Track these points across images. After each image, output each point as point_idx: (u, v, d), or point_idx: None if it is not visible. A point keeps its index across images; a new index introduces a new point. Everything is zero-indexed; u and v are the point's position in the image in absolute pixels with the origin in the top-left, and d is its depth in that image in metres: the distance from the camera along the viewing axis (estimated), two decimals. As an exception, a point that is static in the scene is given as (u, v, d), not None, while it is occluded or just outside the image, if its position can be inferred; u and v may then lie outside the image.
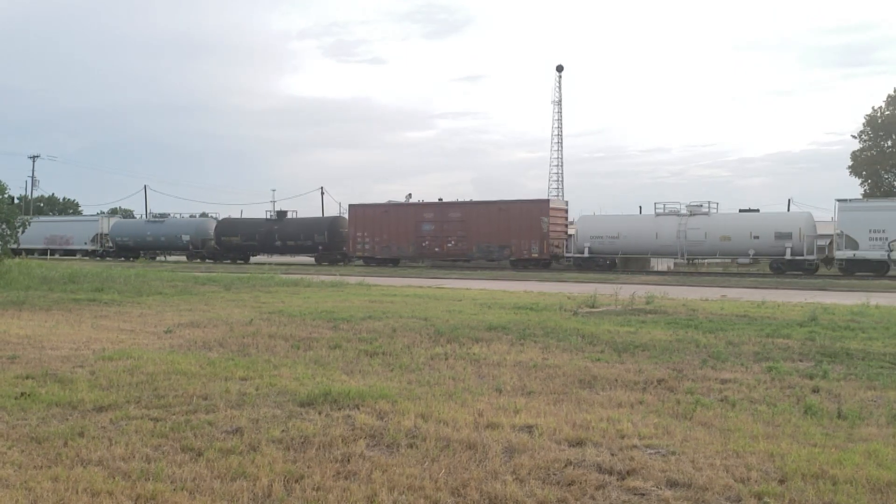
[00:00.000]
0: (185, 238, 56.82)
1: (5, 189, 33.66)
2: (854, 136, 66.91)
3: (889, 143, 64.78)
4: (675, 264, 43.27)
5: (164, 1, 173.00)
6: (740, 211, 42.73)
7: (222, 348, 11.58)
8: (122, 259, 57.41)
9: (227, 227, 56.55)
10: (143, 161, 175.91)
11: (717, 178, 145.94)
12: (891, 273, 36.20)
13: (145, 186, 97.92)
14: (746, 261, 40.78)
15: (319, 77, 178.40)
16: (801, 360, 10.88)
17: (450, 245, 47.65)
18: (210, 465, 5.87)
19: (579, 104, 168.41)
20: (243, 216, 62.63)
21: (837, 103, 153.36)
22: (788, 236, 38.17)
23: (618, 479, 5.67)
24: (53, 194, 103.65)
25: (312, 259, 53.39)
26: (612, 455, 6.21)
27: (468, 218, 47.10)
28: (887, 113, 64.49)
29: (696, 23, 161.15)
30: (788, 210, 39.85)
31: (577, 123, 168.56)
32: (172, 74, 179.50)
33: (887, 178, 65.53)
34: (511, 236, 45.24)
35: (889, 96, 64.37)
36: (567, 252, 44.18)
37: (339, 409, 7.59)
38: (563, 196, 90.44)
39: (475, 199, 51.06)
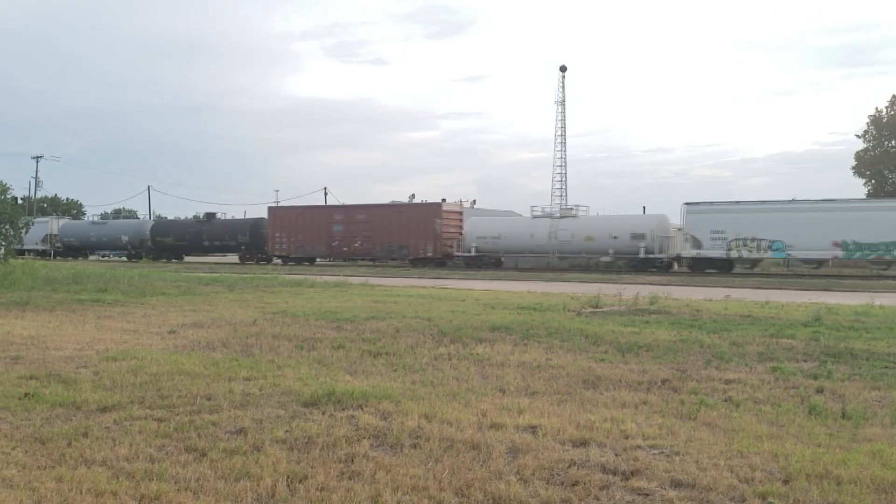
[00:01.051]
0: (125, 238, 60.29)
1: (8, 190, 33.73)
2: (858, 136, 66.89)
3: (893, 142, 64.71)
4: (549, 263, 46.11)
5: (167, 2, 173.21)
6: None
7: (226, 349, 11.58)
8: (70, 258, 60.77)
9: (161, 228, 61.33)
10: (146, 161, 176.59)
11: (720, 179, 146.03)
12: (735, 271, 40.03)
13: (149, 187, 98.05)
14: (608, 259, 43.97)
15: (322, 78, 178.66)
16: (805, 361, 10.86)
17: (356, 245, 51.15)
18: (214, 465, 5.87)
19: (582, 104, 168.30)
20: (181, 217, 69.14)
21: (840, 103, 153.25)
22: (642, 237, 41.96)
23: (622, 480, 5.66)
24: (56, 195, 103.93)
25: (237, 258, 56.79)
26: (616, 455, 6.21)
27: (373, 220, 50.69)
28: (892, 113, 64.42)
29: (698, 23, 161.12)
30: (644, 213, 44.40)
31: (580, 124, 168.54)
32: (175, 75, 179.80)
33: (891, 178, 65.45)
34: (409, 237, 48.75)
35: (893, 96, 64.41)
36: (457, 251, 47.81)
37: (343, 410, 7.59)
38: (566, 197, 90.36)
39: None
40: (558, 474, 5.76)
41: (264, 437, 6.57)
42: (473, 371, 9.87)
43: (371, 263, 50.64)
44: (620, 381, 9.28)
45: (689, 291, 25.57)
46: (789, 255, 39.12)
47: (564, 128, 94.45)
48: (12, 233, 32.36)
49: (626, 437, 6.70)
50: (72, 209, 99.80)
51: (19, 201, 58.22)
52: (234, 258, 58.53)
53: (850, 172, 67.16)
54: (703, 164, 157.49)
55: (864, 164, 65.62)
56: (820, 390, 8.83)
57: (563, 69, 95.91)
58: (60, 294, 21.25)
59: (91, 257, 63.84)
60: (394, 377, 9.42)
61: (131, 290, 22.86)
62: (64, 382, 8.79)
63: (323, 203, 57.56)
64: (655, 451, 6.35)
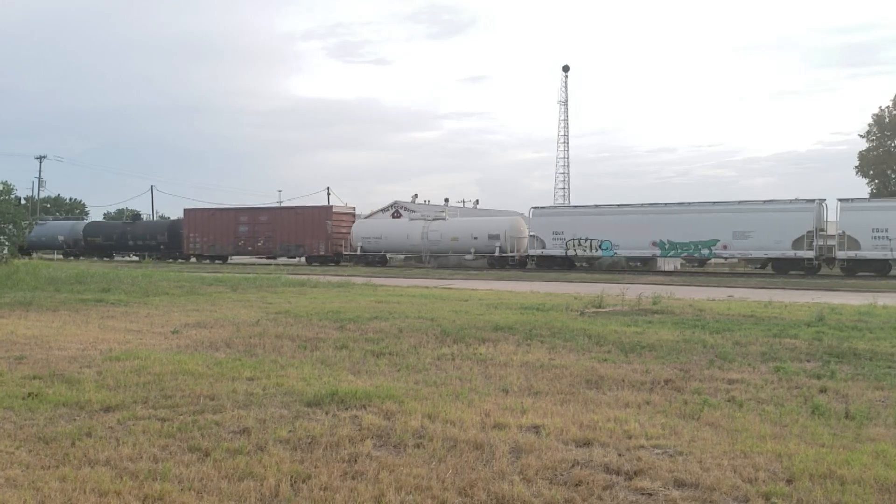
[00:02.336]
0: (61, 238, 62.86)
1: (12, 190, 33.81)
2: (861, 136, 66.79)
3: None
4: (424, 260, 50.33)
5: (170, 3, 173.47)
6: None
7: (229, 349, 11.59)
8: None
9: (92, 228, 64.52)
10: (149, 162, 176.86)
11: (723, 179, 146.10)
12: (583, 266, 44.06)
13: (152, 187, 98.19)
14: (470, 257, 47.85)
15: (324, 78, 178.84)
16: (808, 361, 10.85)
17: (259, 244, 54.52)
18: (217, 465, 5.87)
19: (585, 104, 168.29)
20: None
21: (843, 103, 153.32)
22: (497, 237, 46.15)
23: (625, 480, 5.66)
24: (60, 195, 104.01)
25: (158, 257, 59.20)
26: (620, 455, 6.20)
27: (273, 221, 54.28)
28: (894, 112, 64.32)
29: (701, 23, 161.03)
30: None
31: (583, 124, 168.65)
32: (178, 76, 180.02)
33: (894, 177, 65.36)
34: (305, 237, 52.40)
35: (897, 95, 64.22)
36: (346, 250, 51.58)
37: (346, 410, 7.59)
38: (569, 196, 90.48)
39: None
40: (562, 474, 5.76)
41: (268, 437, 6.58)
42: (476, 371, 9.87)
43: (272, 262, 52.84)
44: (623, 381, 9.27)
45: (692, 291, 25.55)
46: (616, 253, 42.94)
47: (567, 128, 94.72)
48: (16, 233, 32.43)
49: (630, 437, 6.70)
50: (75, 209, 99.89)
51: (22, 202, 58.53)
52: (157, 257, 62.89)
53: (853, 172, 67.18)
54: (705, 163, 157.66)
55: (867, 164, 65.55)
56: (823, 390, 8.82)
57: (565, 69, 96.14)
58: (64, 294, 21.28)
59: (34, 256, 65.80)
60: (397, 377, 9.42)
61: (134, 290, 22.88)
62: (67, 382, 8.80)
63: (233, 206, 61.17)
64: (659, 451, 6.34)
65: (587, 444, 6.52)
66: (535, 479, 5.62)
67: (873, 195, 61.43)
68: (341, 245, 51.87)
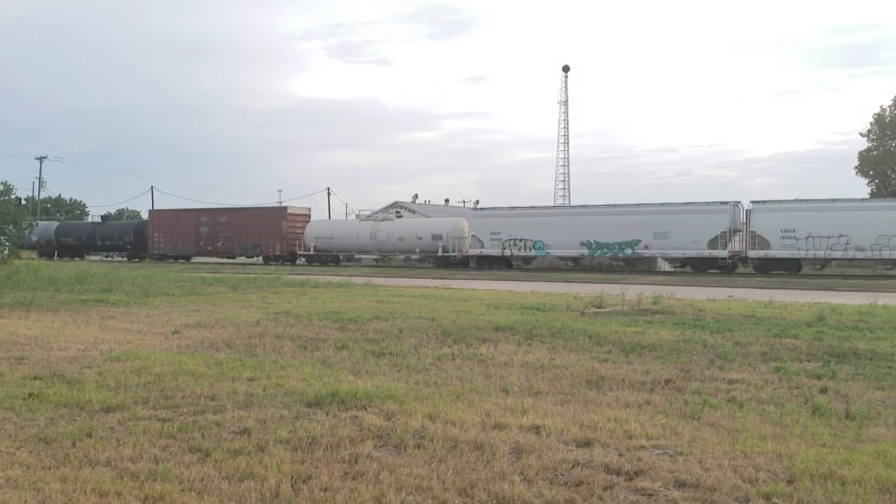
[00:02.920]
0: (34, 238, 63.45)
1: (12, 190, 33.81)
2: (862, 135, 66.77)
3: (896, 142, 64.61)
4: (375, 260, 54.05)
5: (170, 3, 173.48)
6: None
7: (229, 349, 11.59)
8: None
9: (64, 229, 66.52)
10: (149, 162, 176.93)
11: (724, 178, 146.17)
12: (523, 267, 45.87)
13: (152, 187, 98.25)
14: (416, 257, 51.12)
15: (325, 78, 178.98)
16: (808, 361, 10.85)
17: (219, 244, 56.88)
18: (218, 465, 5.87)
19: (586, 105, 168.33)
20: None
21: (843, 103, 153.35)
22: (441, 237, 48.65)
23: (626, 480, 5.66)
24: (60, 195, 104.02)
25: (125, 257, 62.10)
26: (620, 456, 6.20)
27: (232, 222, 56.63)
28: (895, 112, 64.29)
29: (701, 23, 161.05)
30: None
31: (584, 124, 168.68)
32: (178, 76, 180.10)
33: (894, 177, 65.31)
34: (262, 237, 54.82)
35: (898, 95, 64.22)
36: (300, 250, 53.98)
37: (347, 410, 7.59)
38: (569, 197, 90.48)
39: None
40: (562, 474, 5.76)
41: (268, 438, 6.58)
42: (477, 371, 9.87)
43: (231, 261, 56.10)
44: (624, 381, 9.27)
45: (692, 291, 25.55)
46: (548, 253, 45.17)
47: (567, 128, 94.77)
48: (16, 233, 32.43)
49: (630, 438, 6.70)
50: (75, 209, 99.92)
51: (23, 202, 58.64)
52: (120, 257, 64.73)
53: (854, 172, 67.14)
54: (706, 163, 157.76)
55: (868, 164, 65.51)
56: (824, 390, 8.82)
57: (566, 69, 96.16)
58: (64, 294, 21.28)
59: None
60: (397, 377, 9.42)
61: (135, 290, 22.89)
62: (68, 383, 8.80)
63: (195, 207, 64.77)
64: (659, 452, 6.34)
65: (588, 444, 6.52)
66: (536, 480, 5.62)
67: (874, 195, 61.44)
68: (296, 245, 54.17)
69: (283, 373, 9.51)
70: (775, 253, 38.72)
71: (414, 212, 61.70)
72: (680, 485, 5.55)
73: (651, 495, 5.38)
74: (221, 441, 6.50)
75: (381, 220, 52.13)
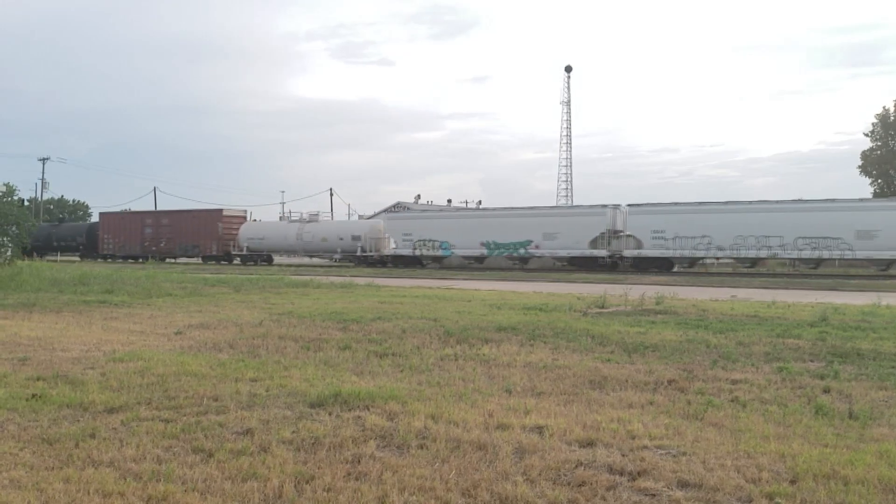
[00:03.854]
0: None
1: (14, 191, 33.82)
2: (866, 135, 66.65)
3: (899, 142, 64.46)
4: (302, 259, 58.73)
5: (172, 3, 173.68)
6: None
7: (232, 350, 11.60)
8: None
9: None
10: (152, 163, 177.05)
11: (726, 179, 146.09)
12: (432, 266, 49.34)
13: (154, 188, 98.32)
14: (338, 256, 55.12)
15: (327, 78, 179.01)
16: (811, 361, 10.83)
17: (162, 245, 60.33)
18: (221, 466, 5.88)
19: (588, 105, 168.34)
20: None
21: (846, 103, 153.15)
22: (359, 238, 52.30)
23: (628, 480, 5.66)
24: (63, 196, 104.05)
25: (78, 257, 64.71)
26: (623, 456, 6.20)
27: (173, 224, 60.40)
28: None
29: (703, 23, 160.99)
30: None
31: (586, 124, 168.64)
32: (181, 76, 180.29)
33: (897, 178, 65.17)
34: (199, 238, 58.50)
35: (900, 95, 64.17)
36: (234, 250, 57.24)
37: (350, 410, 7.59)
38: (572, 196, 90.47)
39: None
40: (565, 475, 5.76)
41: (271, 438, 6.58)
42: (480, 371, 9.87)
43: (174, 261, 59.17)
44: (627, 381, 9.26)
45: (695, 292, 25.54)
46: (453, 252, 48.76)
47: (570, 128, 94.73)
48: (19, 234, 32.44)
49: (633, 438, 6.70)
50: (78, 210, 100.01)
51: (25, 203, 58.75)
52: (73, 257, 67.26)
53: (857, 172, 67.03)
54: (708, 163, 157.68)
55: (871, 164, 65.39)
56: (827, 390, 8.81)
57: (568, 69, 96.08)
58: (67, 295, 21.31)
59: None
60: (400, 378, 9.42)
61: (137, 291, 22.91)
62: (71, 383, 8.81)
63: (143, 209, 69.36)
64: (662, 452, 6.34)
65: (590, 444, 6.52)
66: (539, 480, 5.62)
67: (877, 195, 61.34)
68: (231, 245, 57.64)
69: (286, 373, 9.51)
70: (647, 252, 42.30)
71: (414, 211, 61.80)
72: (683, 485, 5.55)
73: (654, 495, 5.38)
74: (224, 441, 6.51)
75: (307, 222, 55.84)
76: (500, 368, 10.09)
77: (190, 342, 12.38)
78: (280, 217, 60.16)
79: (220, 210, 60.76)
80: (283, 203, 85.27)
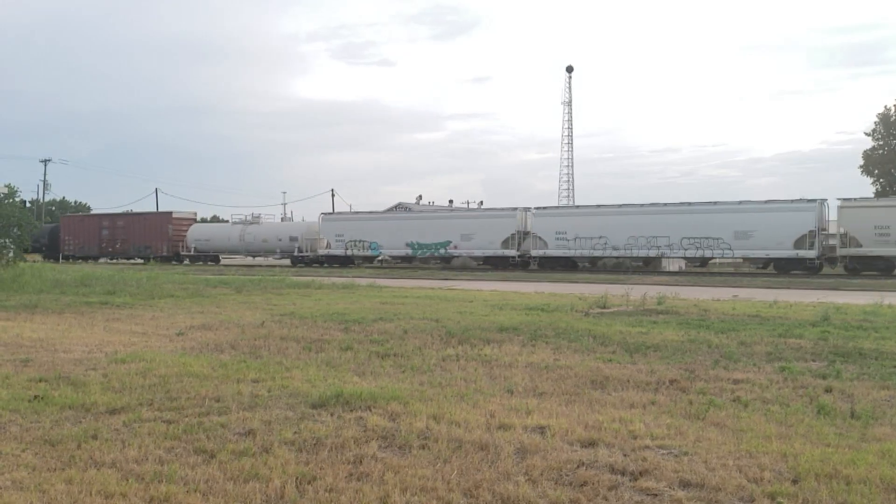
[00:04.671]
0: None
1: (16, 193, 33.84)
2: (867, 134, 66.62)
3: (901, 141, 64.40)
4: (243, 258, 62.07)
5: (174, 4, 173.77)
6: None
7: (234, 350, 11.60)
8: None
9: None
10: (154, 164, 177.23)
11: (728, 178, 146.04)
12: (373, 265, 52.69)
13: (156, 189, 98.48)
14: (277, 256, 57.72)
15: (328, 79, 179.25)
16: (813, 360, 10.83)
17: (117, 245, 63.29)
18: (223, 466, 5.88)
19: (589, 105, 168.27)
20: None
21: (847, 103, 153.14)
22: (296, 239, 55.38)
23: (630, 480, 5.66)
24: (65, 197, 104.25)
25: (41, 257, 64.93)
26: (625, 456, 6.20)
27: (127, 226, 63.58)
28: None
29: (704, 24, 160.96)
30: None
31: (587, 124, 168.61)
32: (182, 77, 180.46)
33: (899, 177, 65.13)
34: (151, 239, 61.64)
35: (902, 94, 64.21)
36: (183, 251, 60.10)
37: (351, 411, 7.59)
38: (573, 197, 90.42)
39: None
40: (567, 475, 5.76)
41: (273, 439, 6.58)
42: (481, 372, 9.87)
43: (128, 261, 61.55)
44: (629, 381, 9.26)
45: (696, 291, 25.52)
46: (381, 252, 52.35)
47: (571, 128, 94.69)
48: (21, 236, 32.44)
49: (635, 438, 6.70)
50: (79, 212, 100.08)
51: (27, 205, 59.02)
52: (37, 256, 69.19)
53: (859, 171, 67.00)
54: (710, 163, 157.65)
55: (872, 163, 65.37)
56: (829, 390, 8.81)
57: (569, 70, 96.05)
58: (69, 297, 21.32)
59: None
60: (402, 378, 9.42)
61: (139, 292, 22.92)
62: (73, 385, 8.82)
63: (98, 213, 71.09)
64: (664, 452, 6.34)
65: (592, 444, 6.52)
66: (541, 480, 5.62)
67: (879, 194, 61.28)
68: (180, 246, 60.65)
69: (288, 374, 9.52)
70: (552, 252, 45.47)
71: (415, 212, 62.01)
72: (685, 485, 5.55)
73: (656, 495, 5.38)
74: (226, 442, 6.51)
75: (249, 224, 59.35)
76: (501, 369, 10.09)
77: (192, 343, 12.38)
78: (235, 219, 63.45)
79: (170, 213, 64.64)
80: (285, 204, 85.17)
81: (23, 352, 11.29)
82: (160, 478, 5.60)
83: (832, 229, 39.83)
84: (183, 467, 5.85)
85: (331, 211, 57.76)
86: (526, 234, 46.92)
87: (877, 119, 65.83)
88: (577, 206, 48.29)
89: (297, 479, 5.59)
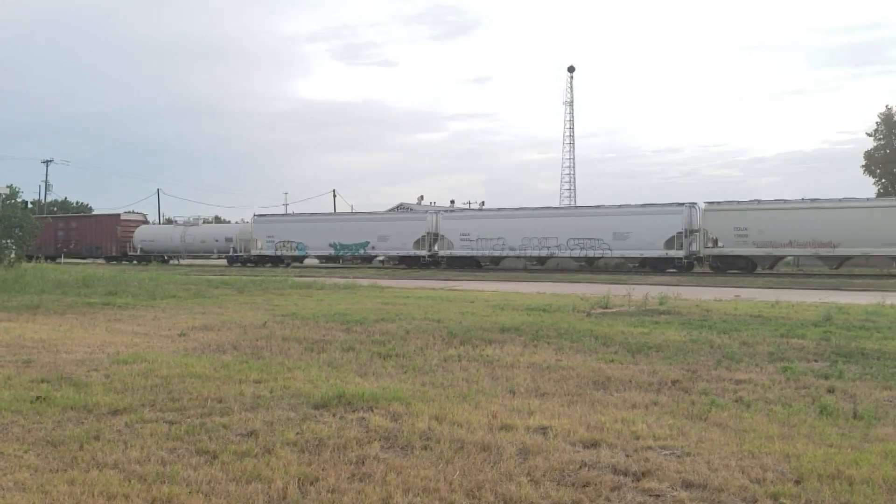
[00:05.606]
0: None
1: (18, 194, 33.89)
2: (869, 134, 66.53)
3: (902, 141, 64.29)
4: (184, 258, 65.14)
5: (175, 5, 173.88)
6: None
7: (236, 351, 11.60)
8: None
9: None
10: (155, 165, 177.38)
11: (729, 178, 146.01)
12: (297, 265, 54.76)
13: (158, 190, 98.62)
14: (215, 256, 61.43)
15: (330, 80, 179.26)
16: (816, 361, 10.82)
17: (71, 246, 65.79)
18: (225, 467, 5.88)
19: (591, 105, 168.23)
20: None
21: (849, 102, 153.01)
22: (231, 240, 58.89)
23: (633, 481, 5.65)
24: (66, 198, 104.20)
25: None
26: (627, 456, 6.19)
27: (80, 227, 66.63)
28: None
29: (705, 23, 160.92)
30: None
31: (589, 124, 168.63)
32: (184, 78, 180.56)
33: (901, 177, 65.00)
34: (101, 240, 64.58)
35: (904, 94, 64.21)
36: (130, 252, 63.10)
37: (353, 412, 7.59)
38: (575, 197, 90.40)
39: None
40: (569, 475, 5.76)
41: (275, 440, 6.58)
42: (483, 372, 9.86)
43: (82, 260, 63.09)
44: (631, 381, 9.26)
45: (698, 292, 25.51)
46: (307, 252, 55.76)
47: (572, 128, 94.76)
48: (23, 236, 32.50)
49: (637, 438, 6.69)
50: (81, 213, 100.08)
51: (29, 205, 59.20)
52: None
53: (860, 171, 66.90)
54: (711, 163, 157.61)
55: (874, 163, 65.26)
56: (831, 390, 8.80)
57: (570, 70, 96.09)
58: (71, 297, 21.32)
59: None
60: (404, 379, 9.42)
61: (141, 293, 22.93)
62: (75, 385, 8.82)
63: (53, 215, 73.90)
64: (666, 452, 6.33)
65: (594, 445, 6.51)
66: (543, 481, 5.61)
67: (880, 194, 61.20)
68: (127, 247, 63.60)
69: (290, 375, 9.51)
70: (458, 252, 49.12)
71: (417, 212, 62.29)
72: (687, 485, 5.54)
73: (658, 496, 5.38)
74: (228, 443, 6.51)
75: (189, 226, 63.19)
76: (503, 369, 10.08)
77: (194, 344, 12.39)
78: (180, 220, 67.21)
79: (119, 215, 67.79)
80: (286, 205, 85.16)
81: (25, 352, 11.30)
82: (162, 479, 5.60)
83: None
84: (185, 468, 5.85)
85: (263, 213, 61.25)
86: (437, 235, 50.67)
87: (878, 119, 65.75)
88: (480, 210, 53.90)
89: (299, 479, 5.59)
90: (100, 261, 63.67)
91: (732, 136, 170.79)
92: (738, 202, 42.68)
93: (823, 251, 40.10)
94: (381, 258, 55.51)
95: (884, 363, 10.48)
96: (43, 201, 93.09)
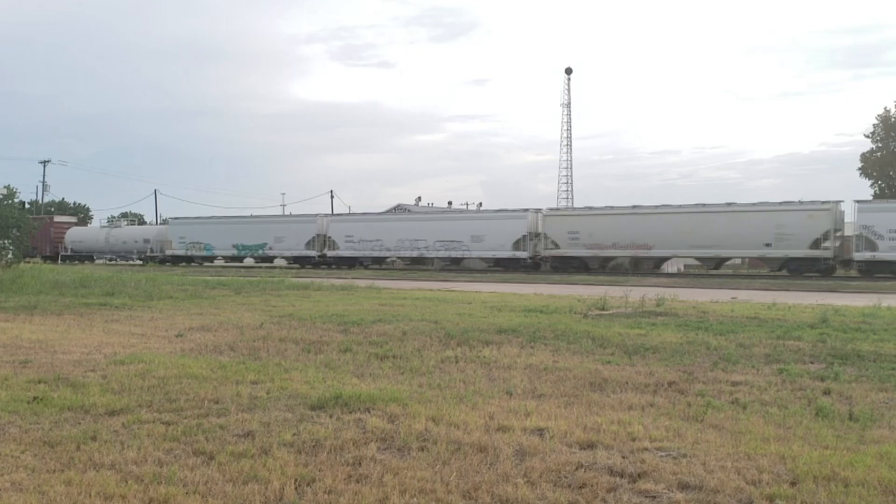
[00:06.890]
0: None
1: (15, 194, 33.86)
2: (866, 136, 66.62)
3: (900, 143, 64.39)
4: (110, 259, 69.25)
5: (173, 6, 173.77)
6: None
7: (233, 352, 11.60)
8: None
9: None
10: (153, 166, 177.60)
11: (727, 180, 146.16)
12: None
13: (155, 191, 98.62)
14: (135, 256, 64.87)
15: (328, 81, 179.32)
16: (812, 362, 10.84)
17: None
18: (222, 468, 5.88)
19: (588, 107, 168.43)
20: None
21: (847, 105, 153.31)
22: (149, 241, 63.97)
23: (629, 482, 5.66)
24: (64, 199, 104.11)
25: None
26: (624, 458, 6.20)
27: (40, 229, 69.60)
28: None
29: (703, 25, 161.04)
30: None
31: (587, 126, 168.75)
32: (182, 79, 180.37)
33: (898, 179, 65.10)
34: (38, 241, 65.18)
35: (901, 96, 64.31)
36: (63, 252, 67.93)
37: (350, 413, 7.60)
38: (572, 199, 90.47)
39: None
40: (566, 477, 5.76)
41: (272, 441, 6.58)
42: (480, 374, 9.87)
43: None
44: (627, 383, 9.27)
45: (695, 293, 25.54)
46: (214, 253, 60.06)
47: (570, 130, 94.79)
48: (20, 237, 32.47)
49: (634, 440, 6.70)
50: (79, 213, 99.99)
51: (26, 206, 59.44)
52: None
53: (857, 173, 67.00)
54: (710, 165, 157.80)
55: (871, 166, 65.36)
56: (827, 392, 8.81)
57: (568, 72, 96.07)
58: (68, 298, 21.31)
59: None
60: (401, 380, 9.43)
61: (138, 293, 22.91)
62: (72, 386, 8.82)
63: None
64: (662, 454, 6.34)
65: (591, 446, 6.52)
66: (540, 482, 5.62)
67: (877, 196, 61.30)
68: (59, 247, 68.08)
69: (287, 376, 9.52)
70: (343, 252, 54.43)
71: (416, 213, 62.46)
72: (683, 487, 5.55)
73: (654, 497, 5.39)
74: (225, 444, 6.51)
75: (113, 228, 68.83)
76: (500, 370, 10.09)
77: (191, 345, 12.38)
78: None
79: (52, 217, 72.71)
80: (284, 205, 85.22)
81: (22, 353, 11.29)
82: (159, 479, 5.60)
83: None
84: (182, 469, 5.85)
85: (179, 216, 65.53)
86: (326, 238, 55.20)
87: (876, 121, 65.88)
88: (364, 214, 58.25)
89: (296, 480, 5.59)
90: (36, 259, 65.32)
91: (730, 138, 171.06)
92: (574, 208, 49.35)
93: (641, 252, 44.91)
94: (276, 258, 59.46)
95: (880, 365, 10.50)
96: (40, 202, 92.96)
